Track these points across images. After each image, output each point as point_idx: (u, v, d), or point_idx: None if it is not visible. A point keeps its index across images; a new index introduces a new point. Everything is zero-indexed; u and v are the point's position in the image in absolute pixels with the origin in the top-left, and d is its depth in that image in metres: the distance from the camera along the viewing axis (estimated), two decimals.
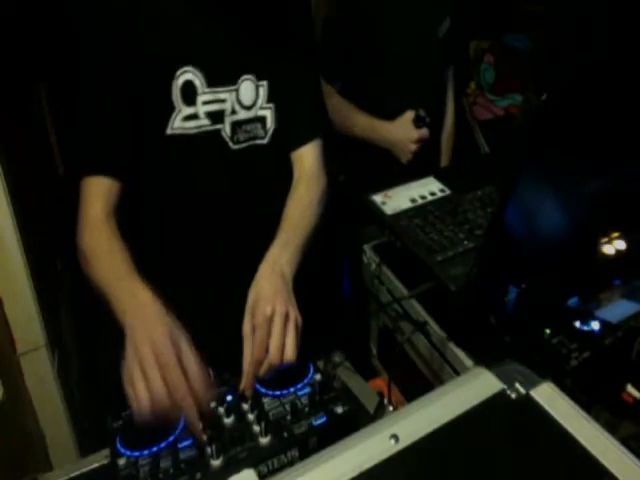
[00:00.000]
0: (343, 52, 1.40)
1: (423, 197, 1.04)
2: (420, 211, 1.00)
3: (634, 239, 0.83)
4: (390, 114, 1.43)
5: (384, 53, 1.40)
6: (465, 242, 0.91)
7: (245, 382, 0.76)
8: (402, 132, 1.41)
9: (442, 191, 1.06)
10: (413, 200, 1.03)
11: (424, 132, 1.41)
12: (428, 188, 1.07)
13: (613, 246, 0.83)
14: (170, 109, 0.89)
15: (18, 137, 1.38)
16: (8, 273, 1.17)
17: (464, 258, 0.88)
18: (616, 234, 0.83)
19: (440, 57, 1.52)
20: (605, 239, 0.83)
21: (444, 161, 1.64)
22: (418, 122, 1.40)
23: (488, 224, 0.91)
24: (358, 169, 1.49)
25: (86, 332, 1.70)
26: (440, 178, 1.10)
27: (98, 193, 0.87)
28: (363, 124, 1.43)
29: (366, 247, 1.10)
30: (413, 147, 1.41)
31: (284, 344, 0.76)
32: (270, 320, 0.76)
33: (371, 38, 1.38)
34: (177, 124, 0.90)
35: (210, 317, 0.97)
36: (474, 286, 0.74)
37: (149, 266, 0.79)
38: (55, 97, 1.72)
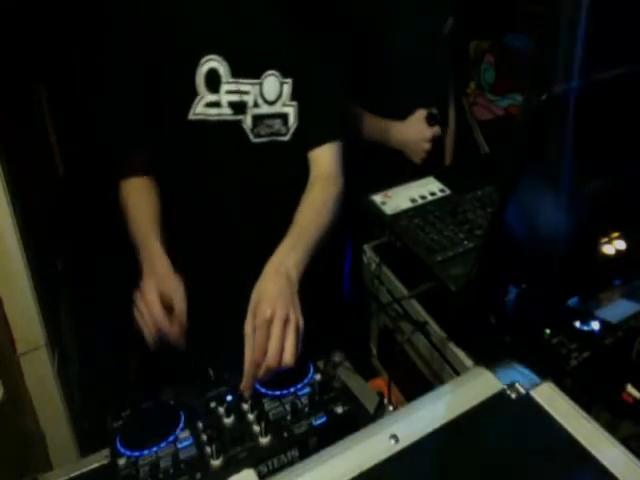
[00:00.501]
0: (348, 54, 1.40)
1: (423, 197, 1.04)
2: (420, 211, 1.00)
3: (634, 239, 0.83)
4: (397, 114, 1.42)
5: (390, 52, 1.39)
6: (465, 242, 0.91)
7: (244, 383, 0.76)
8: (415, 132, 1.41)
9: (442, 191, 1.06)
10: (413, 200, 1.03)
11: (437, 130, 1.40)
12: (428, 188, 1.07)
13: (613, 246, 0.83)
14: (193, 94, 0.91)
15: (18, 137, 1.38)
16: (8, 273, 1.16)
17: (464, 258, 0.88)
18: (616, 234, 0.83)
19: (444, 56, 1.51)
20: (605, 239, 0.83)
21: (448, 160, 1.64)
22: (430, 121, 1.40)
23: (488, 224, 0.91)
24: (358, 169, 1.49)
25: (86, 332, 1.70)
26: (440, 178, 1.10)
27: (128, 174, 0.98)
28: (374, 126, 1.43)
29: (366, 247, 1.10)
30: (427, 146, 1.40)
31: (283, 347, 0.75)
32: (270, 322, 0.75)
33: (379, 36, 1.38)
34: (199, 110, 0.92)
35: (213, 316, 0.97)
36: (474, 286, 0.74)
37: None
38: (55, 97, 1.72)
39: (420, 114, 1.41)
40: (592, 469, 0.57)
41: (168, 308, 0.83)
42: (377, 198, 1.04)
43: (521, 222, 0.69)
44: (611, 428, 0.62)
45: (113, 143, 0.98)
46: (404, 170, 1.43)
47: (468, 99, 2.22)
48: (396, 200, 1.03)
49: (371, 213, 1.02)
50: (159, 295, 0.83)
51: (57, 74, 1.67)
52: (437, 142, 1.44)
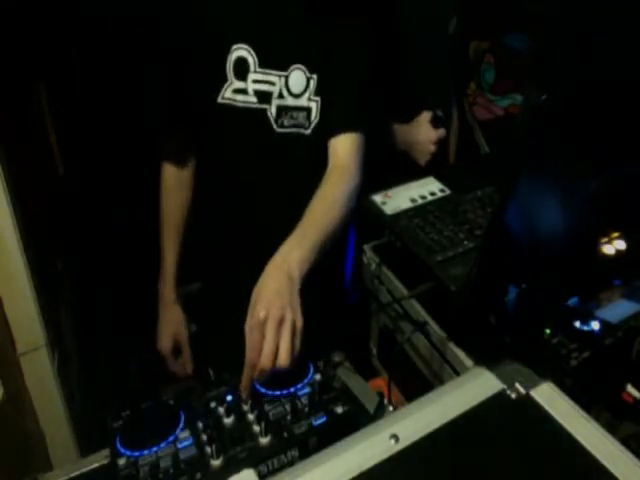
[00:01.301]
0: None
1: (423, 197, 1.04)
2: (420, 211, 1.00)
3: (634, 239, 0.83)
4: (403, 114, 1.42)
5: (397, 52, 1.39)
6: (465, 242, 0.91)
7: (242, 384, 0.76)
8: (422, 134, 1.40)
9: (442, 191, 1.06)
10: (413, 200, 1.03)
11: (442, 132, 1.40)
12: (428, 188, 1.07)
13: (613, 246, 0.83)
14: (223, 79, 0.95)
15: (18, 137, 1.37)
16: (8, 273, 1.16)
17: (464, 258, 0.88)
18: (616, 234, 0.83)
19: (449, 55, 1.51)
20: (605, 239, 0.83)
21: (451, 159, 1.64)
22: (436, 123, 1.40)
23: (488, 224, 0.91)
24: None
25: (86, 332, 1.70)
26: (440, 178, 1.10)
27: (172, 157, 1.10)
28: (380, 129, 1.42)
29: (366, 247, 1.10)
30: (433, 148, 1.40)
31: (278, 348, 0.73)
32: (264, 324, 0.73)
33: (383, 37, 1.37)
34: (228, 94, 0.96)
35: (215, 316, 0.98)
36: (474, 286, 0.74)
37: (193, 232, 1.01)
38: (55, 97, 1.72)
39: (426, 116, 1.41)
40: (592, 469, 0.57)
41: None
42: (377, 198, 1.04)
43: (521, 222, 0.69)
44: (611, 428, 0.62)
45: (155, 125, 1.10)
46: (406, 171, 1.43)
47: (468, 99, 2.22)
48: (396, 200, 1.03)
49: (371, 213, 1.02)
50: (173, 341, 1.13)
51: (57, 74, 1.67)
52: (442, 143, 1.43)
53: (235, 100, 0.97)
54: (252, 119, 0.99)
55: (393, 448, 0.59)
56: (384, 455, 0.58)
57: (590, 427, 0.61)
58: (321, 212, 0.90)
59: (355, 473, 0.56)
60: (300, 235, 0.85)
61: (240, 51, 0.94)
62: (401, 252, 0.94)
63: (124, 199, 1.01)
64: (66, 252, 1.64)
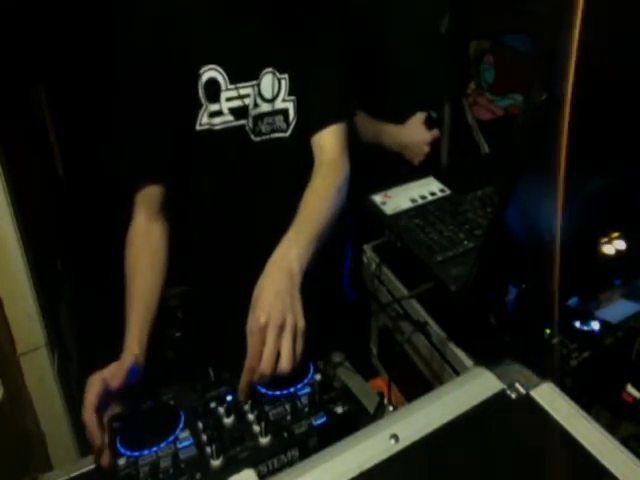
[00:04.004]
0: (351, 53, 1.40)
1: (423, 197, 1.04)
2: (420, 211, 1.00)
3: (634, 239, 0.83)
4: (396, 114, 1.43)
5: (387, 52, 1.39)
6: (465, 242, 0.91)
7: (240, 387, 0.75)
8: (415, 135, 1.41)
9: (442, 191, 1.06)
10: (413, 200, 1.03)
11: (436, 133, 1.41)
12: (428, 188, 1.07)
13: (613, 246, 0.83)
14: (198, 106, 0.92)
15: (18, 137, 1.38)
16: (8, 273, 1.17)
17: (464, 258, 0.88)
18: (616, 234, 0.83)
19: (441, 54, 1.52)
20: (605, 239, 0.83)
21: (444, 159, 1.64)
22: (430, 124, 1.40)
23: (488, 224, 0.91)
24: (359, 169, 1.49)
25: (86, 332, 1.71)
26: (440, 178, 1.10)
27: (142, 201, 0.96)
28: (374, 130, 1.43)
29: (366, 247, 1.10)
30: (427, 149, 1.40)
31: (279, 353, 0.73)
32: (264, 328, 0.72)
33: (373, 36, 1.38)
34: (205, 120, 0.93)
35: (214, 316, 0.97)
36: (474, 286, 0.74)
37: (180, 252, 0.92)
38: (55, 98, 1.72)
39: (419, 117, 1.41)
40: (592, 469, 0.57)
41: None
42: (377, 198, 1.04)
43: (521, 222, 0.69)
44: (611, 428, 0.62)
45: (124, 167, 1.00)
46: (401, 171, 1.44)
47: (468, 99, 2.22)
48: (396, 200, 1.03)
49: (371, 213, 1.02)
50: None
51: (57, 75, 1.67)
52: (435, 144, 1.44)
53: (213, 124, 0.94)
54: (230, 137, 0.96)
55: (393, 448, 0.59)
56: (384, 455, 0.58)
57: (590, 427, 0.61)
58: (315, 206, 0.91)
59: (355, 473, 0.56)
60: (296, 231, 0.85)
61: (210, 72, 0.91)
62: (401, 252, 0.94)
63: (124, 199, 1.01)
64: (66, 252, 1.64)
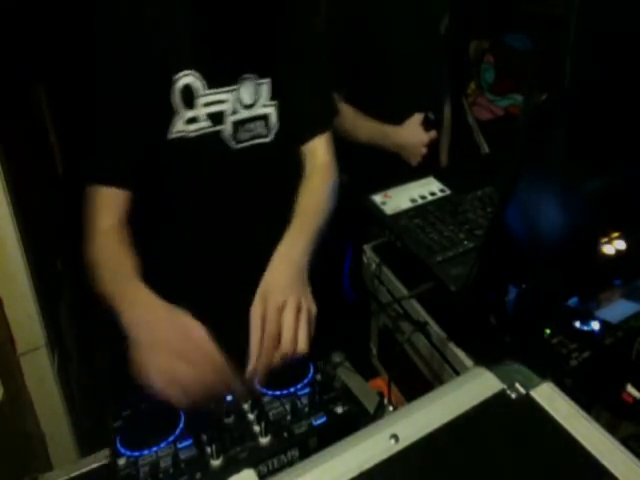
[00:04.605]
0: (346, 53, 1.40)
1: (423, 197, 1.04)
2: (420, 211, 1.00)
3: (634, 239, 0.83)
4: (394, 115, 1.43)
5: (386, 52, 1.39)
6: (465, 242, 0.91)
7: (251, 369, 0.73)
8: (413, 136, 1.41)
9: (442, 191, 1.06)
10: (413, 200, 1.03)
11: (433, 134, 1.41)
12: (428, 188, 1.07)
13: (613, 246, 0.83)
14: (171, 113, 0.88)
15: (18, 137, 1.38)
16: (8, 273, 1.17)
17: (464, 258, 0.88)
18: (616, 234, 0.83)
19: (441, 54, 1.52)
20: (605, 239, 0.83)
21: (444, 159, 1.64)
22: (427, 125, 1.40)
23: (488, 224, 0.91)
24: (359, 169, 1.50)
25: (86, 332, 1.71)
26: (440, 178, 1.10)
27: (109, 205, 0.87)
28: (372, 130, 1.43)
29: (366, 247, 1.10)
30: (424, 150, 1.41)
31: (296, 335, 0.74)
32: (281, 311, 0.74)
33: (373, 37, 1.38)
34: (178, 127, 0.89)
35: (212, 325, 0.96)
36: (474, 286, 0.74)
37: (151, 271, 0.80)
38: (55, 98, 1.72)
39: (417, 118, 1.41)
40: (592, 469, 0.57)
41: None
42: (377, 198, 1.04)
43: (521, 222, 0.69)
44: (611, 428, 0.62)
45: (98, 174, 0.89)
46: (401, 171, 1.44)
47: (468, 99, 2.22)
48: (396, 200, 1.03)
49: (371, 213, 1.02)
50: None
51: (57, 75, 1.67)
52: (433, 144, 1.44)
53: (188, 131, 0.89)
54: (206, 144, 0.92)
55: (393, 448, 0.59)
56: (384, 455, 0.58)
57: (590, 427, 0.61)
58: (313, 204, 0.92)
59: (355, 473, 0.56)
60: (298, 227, 0.86)
61: (186, 78, 0.87)
62: (401, 252, 0.94)
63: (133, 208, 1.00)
64: (66, 252, 1.64)
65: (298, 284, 0.78)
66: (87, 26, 0.88)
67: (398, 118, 1.44)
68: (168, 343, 0.69)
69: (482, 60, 2.19)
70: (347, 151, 1.49)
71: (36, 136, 1.69)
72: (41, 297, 1.24)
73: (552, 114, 0.60)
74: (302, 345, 0.74)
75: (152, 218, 0.97)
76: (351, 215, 1.15)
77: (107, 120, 0.88)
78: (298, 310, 0.75)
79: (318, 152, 1.01)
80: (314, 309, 0.78)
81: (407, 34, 1.40)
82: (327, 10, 1.49)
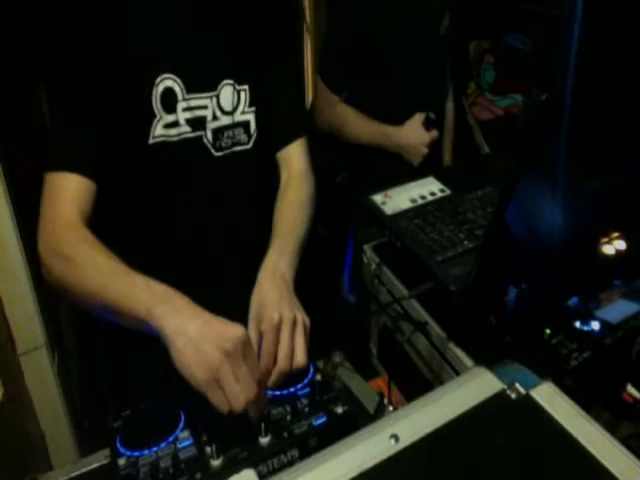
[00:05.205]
0: (347, 55, 1.40)
1: (423, 197, 1.04)
2: (420, 211, 1.00)
3: (634, 239, 0.83)
4: (395, 115, 1.43)
5: (388, 53, 1.40)
6: (465, 242, 0.91)
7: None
8: (414, 136, 1.42)
9: (442, 191, 1.06)
10: (413, 200, 1.03)
11: (435, 134, 1.41)
12: (428, 188, 1.07)
13: (613, 246, 0.83)
14: (151, 116, 0.86)
15: (18, 137, 1.37)
16: (8, 273, 1.17)
17: (464, 258, 0.88)
18: (616, 234, 0.83)
19: (442, 55, 1.52)
20: (605, 239, 0.83)
21: (447, 159, 1.64)
22: (428, 125, 1.41)
23: (488, 224, 0.91)
24: (359, 169, 1.50)
25: (86, 332, 1.70)
26: (440, 178, 1.10)
27: (73, 195, 0.81)
28: (373, 131, 1.43)
29: (366, 247, 1.10)
30: (425, 150, 1.41)
31: (293, 350, 0.74)
32: (278, 326, 0.74)
33: (374, 38, 1.38)
34: (159, 132, 0.87)
35: None
36: (474, 286, 0.74)
37: None
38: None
39: (418, 118, 1.41)
40: (592, 469, 0.57)
41: None
42: (377, 198, 1.04)
43: (521, 222, 0.69)
44: (611, 428, 0.62)
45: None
46: (402, 171, 1.44)
47: (468, 99, 2.22)
48: (396, 200, 1.03)
49: (371, 213, 1.02)
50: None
51: (57, 75, 1.67)
52: (434, 145, 1.44)
53: (168, 135, 0.88)
54: (188, 150, 0.90)
55: (393, 448, 0.59)
56: (384, 455, 0.58)
57: (590, 427, 0.61)
58: (292, 218, 0.93)
59: (355, 473, 0.56)
60: (281, 244, 0.87)
61: (166, 81, 0.86)
62: (401, 252, 0.94)
63: (124, 199, 0.99)
64: None
65: (288, 298, 0.78)
66: (70, 25, 0.86)
67: (399, 118, 1.44)
68: (220, 349, 0.66)
69: (482, 60, 2.19)
70: (348, 151, 1.49)
71: (36, 136, 1.69)
72: (41, 297, 1.24)
73: (552, 114, 0.60)
74: (301, 360, 0.74)
75: (131, 222, 0.95)
76: (351, 215, 1.15)
77: (83, 114, 0.84)
78: (294, 324, 0.75)
79: (293, 160, 1.01)
80: (308, 321, 0.78)
81: (408, 34, 1.40)
82: (328, 10, 1.50)
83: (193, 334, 0.67)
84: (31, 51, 1.52)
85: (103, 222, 0.85)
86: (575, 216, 0.75)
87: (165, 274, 0.78)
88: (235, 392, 0.66)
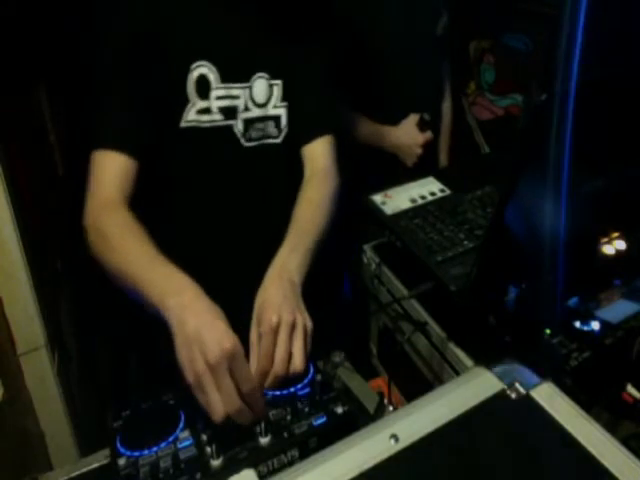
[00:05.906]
0: (345, 55, 1.40)
1: (423, 197, 1.04)
2: (420, 211, 1.00)
3: (634, 239, 0.83)
4: (391, 115, 1.43)
5: (384, 52, 1.40)
6: (465, 242, 0.91)
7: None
8: (409, 137, 1.42)
9: (442, 191, 1.06)
10: (413, 200, 1.03)
11: (429, 135, 1.42)
12: (428, 188, 1.07)
13: (613, 246, 0.83)
14: (185, 101, 0.89)
15: (18, 137, 1.37)
16: (8, 273, 1.16)
17: (464, 258, 0.88)
18: (616, 234, 0.83)
19: (439, 54, 1.52)
20: (605, 239, 0.83)
21: (443, 159, 1.64)
22: (423, 125, 1.41)
23: (488, 224, 0.91)
24: (358, 169, 1.50)
25: (86, 332, 1.70)
26: (440, 178, 1.10)
27: (116, 173, 0.86)
28: (369, 131, 1.43)
29: (366, 247, 1.10)
30: (419, 151, 1.41)
31: (291, 353, 0.73)
32: (276, 329, 0.73)
33: (371, 37, 1.38)
34: (191, 117, 0.90)
35: None
36: (474, 286, 0.74)
37: None
38: (55, 96, 1.72)
39: (412, 119, 1.42)
40: (592, 469, 0.57)
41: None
42: (377, 198, 1.04)
43: (521, 222, 0.69)
44: (611, 428, 0.62)
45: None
46: (399, 171, 1.45)
47: (468, 99, 2.22)
48: (396, 200, 1.03)
49: (371, 213, 1.02)
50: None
51: (57, 74, 1.67)
52: (429, 146, 1.44)
53: (200, 121, 0.91)
54: (218, 138, 0.93)
55: (393, 448, 0.59)
56: (384, 455, 0.58)
57: (590, 427, 0.61)
58: (310, 216, 0.92)
59: (355, 473, 0.56)
60: (293, 241, 0.86)
61: (201, 68, 0.88)
62: (401, 252, 0.94)
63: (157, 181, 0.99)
64: (66, 252, 1.64)
65: (292, 300, 0.76)
66: (103, 11, 0.89)
67: (394, 118, 1.44)
68: (222, 350, 0.66)
69: (482, 60, 2.19)
70: (347, 151, 1.49)
71: (36, 136, 1.69)
72: (41, 297, 1.24)
73: (552, 114, 0.60)
74: (298, 364, 0.72)
75: (157, 207, 0.97)
76: (351, 215, 1.15)
77: (121, 97, 0.88)
78: (293, 328, 0.73)
79: (317, 156, 1.01)
80: (310, 324, 0.76)
81: (402, 34, 1.40)
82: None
83: (190, 333, 0.67)
84: (31, 51, 1.52)
85: (140, 201, 0.89)
86: (575, 216, 0.75)
87: (182, 260, 0.80)
88: (215, 401, 0.66)
